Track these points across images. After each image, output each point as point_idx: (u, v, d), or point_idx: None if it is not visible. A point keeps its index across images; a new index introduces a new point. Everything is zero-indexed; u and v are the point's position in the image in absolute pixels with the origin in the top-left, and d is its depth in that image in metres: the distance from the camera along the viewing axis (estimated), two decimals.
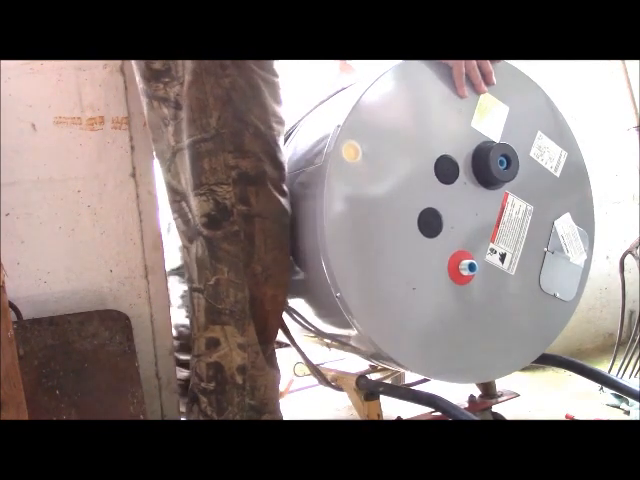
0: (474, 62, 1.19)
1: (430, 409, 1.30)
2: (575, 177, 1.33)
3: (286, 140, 1.37)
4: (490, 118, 1.24)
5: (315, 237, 1.12)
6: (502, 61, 1.26)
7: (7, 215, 1.22)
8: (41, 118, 1.24)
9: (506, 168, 1.21)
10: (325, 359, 1.68)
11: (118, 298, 1.30)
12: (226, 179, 1.11)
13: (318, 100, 1.37)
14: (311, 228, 1.15)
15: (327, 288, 1.13)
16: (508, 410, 1.53)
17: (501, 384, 1.50)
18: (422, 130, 1.18)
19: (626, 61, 2.03)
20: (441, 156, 1.18)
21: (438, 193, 1.17)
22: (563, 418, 1.55)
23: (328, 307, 1.22)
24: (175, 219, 1.23)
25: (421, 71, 1.19)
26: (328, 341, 1.42)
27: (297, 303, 1.37)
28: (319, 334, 1.40)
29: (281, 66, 1.32)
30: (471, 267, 1.17)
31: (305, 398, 1.88)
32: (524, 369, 1.96)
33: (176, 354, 1.40)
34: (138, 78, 1.21)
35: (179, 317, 1.52)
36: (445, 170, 1.18)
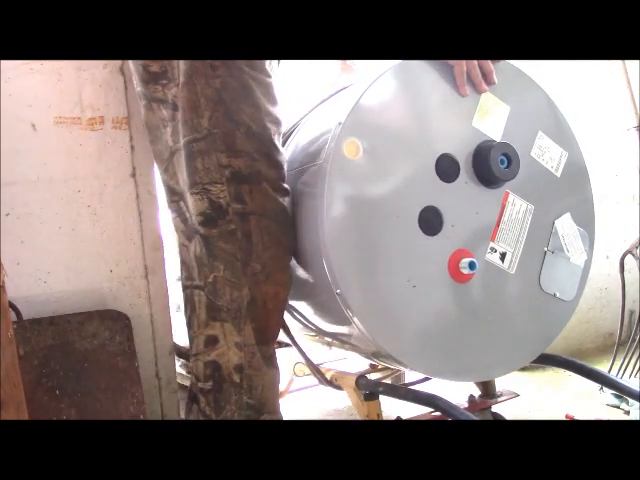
0: (475, 61, 1.20)
1: (430, 409, 1.30)
2: (575, 177, 1.33)
3: (287, 139, 1.37)
4: (491, 117, 1.24)
5: (316, 234, 1.12)
6: (503, 61, 1.26)
7: (7, 215, 1.22)
8: (41, 118, 1.24)
9: (507, 167, 1.21)
10: (325, 359, 1.68)
11: (118, 298, 1.30)
12: (220, 178, 1.12)
13: (319, 99, 1.37)
14: (312, 225, 1.15)
15: (328, 285, 1.13)
16: (508, 410, 1.53)
17: (501, 384, 1.50)
18: (423, 128, 1.18)
19: (626, 61, 2.03)
20: (442, 154, 1.18)
21: (439, 191, 1.17)
22: (563, 418, 1.55)
23: (329, 305, 1.22)
24: (174, 219, 1.23)
25: (422, 70, 1.19)
26: (329, 340, 1.42)
27: (298, 301, 1.37)
28: (320, 333, 1.40)
29: (282, 66, 1.32)
30: (471, 265, 1.16)
31: (305, 398, 1.88)
32: (524, 369, 1.96)
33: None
34: (136, 81, 1.22)
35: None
36: (446, 168, 1.18)
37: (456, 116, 1.21)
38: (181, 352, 1.57)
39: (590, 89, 2.15)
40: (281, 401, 1.29)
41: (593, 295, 2.13)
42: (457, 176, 1.19)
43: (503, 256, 1.23)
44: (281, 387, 1.58)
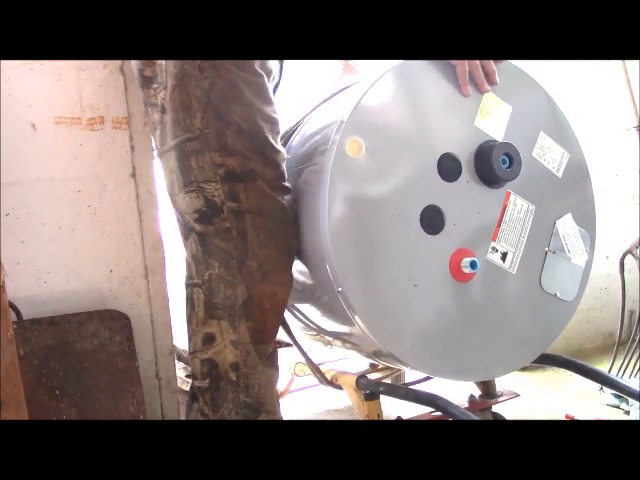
0: (477, 61, 1.20)
1: (430, 409, 1.30)
2: (577, 178, 1.33)
3: (289, 138, 1.38)
4: (493, 117, 1.24)
5: (318, 232, 1.13)
6: (506, 61, 1.26)
7: (7, 215, 1.22)
8: (41, 118, 1.24)
9: (508, 167, 1.21)
10: (325, 359, 1.68)
11: (118, 298, 1.30)
12: (213, 177, 1.13)
13: (322, 99, 1.38)
14: (314, 223, 1.15)
15: (329, 284, 1.13)
16: (508, 410, 1.53)
17: (501, 384, 1.51)
18: (425, 128, 1.19)
19: (626, 61, 2.03)
20: (444, 154, 1.18)
21: (440, 190, 1.17)
22: (563, 418, 1.55)
23: (330, 304, 1.22)
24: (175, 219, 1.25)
25: (425, 70, 1.19)
26: (329, 339, 1.42)
27: (299, 300, 1.37)
28: (321, 332, 1.41)
29: (286, 68, 1.33)
30: (473, 265, 1.17)
31: (305, 398, 1.88)
32: (524, 369, 1.96)
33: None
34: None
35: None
36: (448, 168, 1.18)
37: (458, 116, 1.21)
38: (181, 356, 1.58)
39: (590, 89, 2.15)
40: (281, 401, 1.29)
41: (593, 295, 2.13)
42: (459, 175, 1.19)
43: (504, 256, 1.23)
44: (281, 387, 1.58)
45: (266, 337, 1.19)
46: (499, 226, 1.23)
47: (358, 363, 1.70)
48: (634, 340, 1.79)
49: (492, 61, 1.22)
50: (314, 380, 1.60)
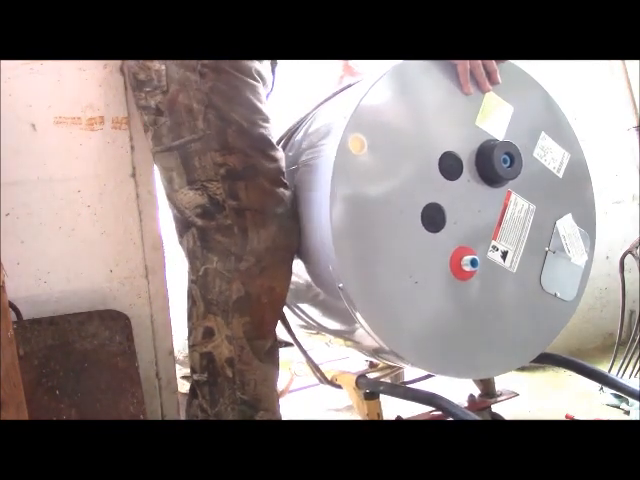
0: (479, 61, 1.21)
1: (430, 408, 1.31)
2: (577, 178, 1.33)
3: (292, 135, 1.39)
4: (494, 117, 1.24)
5: (319, 228, 1.14)
6: (507, 61, 1.26)
7: (7, 215, 1.21)
8: (41, 118, 1.24)
9: (509, 166, 1.22)
10: (325, 358, 1.68)
11: (118, 298, 1.30)
12: (214, 176, 1.16)
13: (323, 98, 1.38)
14: (316, 220, 1.16)
15: (330, 280, 1.14)
16: (508, 410, 1.53)
17: (501, 384, 1.51)
18: (427, 126, 1.19)
19: (626, 61, 2.03)
20: (445, 152, 1.19)
21: (442, 189, 1.18)
22: (563, 418, 1.55)
23: (331, 301, 1.23)
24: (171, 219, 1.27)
25: (426, 69, 1.20)
26: (329, 337, 1.42)
27: (299, 297, 1.38)
28: (320, 330, 1.41)
29: (279, 73, 1.36)
30: (473, 263, 1.17)
31: (304, 398, 1.88)
32: (524, 369, 1.97)
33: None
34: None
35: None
36: (449, 166, 1.19)
37: (459, 115, 1.22)
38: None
39: (590, 89, 2.15)
40: (280, 400, 1.29)
41: (593, 295, 2.13)
42: (460, 174, 1.20)
43: (504, 255, 1.24)
44: (280, 386, 1.58)
45: (264, 332, 1.20)
46: (500, 225, 1.23)
47: (357, 362, 1.70)
48: (634, 340, 1.79)
49: (493, 61, 1.22)
50: (313, 380, 1.60)
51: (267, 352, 1.20)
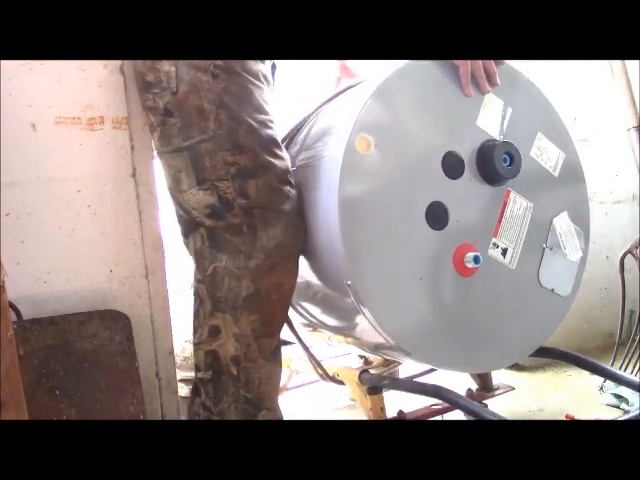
0: (480, 62, 1.23)
1: (430, 403, 1.33)
2: (572, 177, 1.37)
3: (295, 135, 1.40)
4: (494, 118, 1.27)
5: (327, 227, 1.16)
6: (506, 64, 1.29)
7: (7, 215, 1.21)
8: (41, 118, 1.24)
9: (509, 165, 1.25)
10: (325, 355, 1.69)
11: (118, 298, 1.29)
12: (225, 175, 1.18)
13: (325, 98, 1.40)
14: (323, 218, 1.18)
15: (336, 278, 1.16)
16: (508, 410, 1.54)
17: (500, 383, 1.52)
18: (430, 126, 1.22)
19: (626, 61, 2.03)
20: (448, 152, 1.22)
21: (444, 187, 1.21)
22: (563, 418, 1.55)
23: (335, 297, 1.25)
24: (175, 220, 1.28)
25: (429, 70, 1.23)
26: (329, 334, 1.43)
27: (301, 296, 1.39)
28: (321, 326, 1.42)
29: (278, 80, 1.40)
30: (476, 259, 1.20)
31: (304, 396, 1.88)
32: (524, 369, 1.97)
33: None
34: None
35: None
36: (451, 166, 1.22)
37: (461, 115, 1.24)
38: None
39: (590, 89, 2.15)
40: (279, 398, 1.29)
41: (593, 295, 2.13)
42: (462, 173, 1.23)
43: (505, 252, 1.27)
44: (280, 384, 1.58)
45: (273, 330, 1.22)
46: (500, 223, 1.26)
47: (352, 360, 1.70)
48: (634, 340, 1.79)
49: (493, 63, 1.25)
50: (312, 377, 1.61)
51: (273, 351, 1.22)
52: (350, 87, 1.37)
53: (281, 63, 1.45)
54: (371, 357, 1.65)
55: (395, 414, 1.39)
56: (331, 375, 1.50)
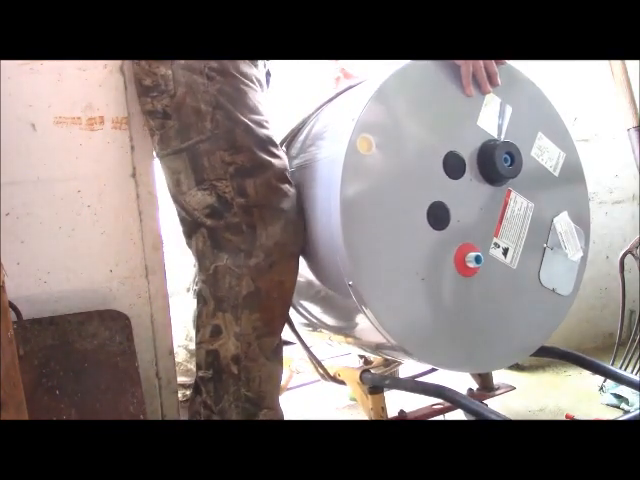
0: (481, 62, 1.24)
1: (431, 402, 1.33)
2: (572, 177, 1.37)
3: (296, 135, 1.41)
4: (495, 118, 1.27)
5: (329, 227, 1.16)
6: (507, 64, 1.30)
7: (7, 215, 1.21)
8: (41, 118, 1.24)
9: (510, 165, 1.25)
10: (326, 355, 1.69)
11: (118, 298, 1.29)
12: (223, 174, 1.19)
13: (324, 99, 1.40)
14: (324, 219, 1.19)
15: (338, 277, 1.16)
16: (508, 410, 1.53)
17: (501, 382, 1.52)
18: (431, 126, 1.22)
19: (626, 61, 2.03)
20: (449, 152, 1.22)
21: (446, 188, 1.21)
22: (563, 418, 1.55)
23: (336, 297, 1.26)
24: (178, 222, 1.29)
25: (430, 70, 1.23)
26: (329, 334, 1.43)
27: (301, 296, 1.39)
28: (322, 326, 1.42)
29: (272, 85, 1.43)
30: (477, 259, 1.20)
31: (305, 396, 1.88)
32: (524, 369, 1.97)
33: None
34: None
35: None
36: (452, 166, 1.22)
37: (462, 115, 1.25)
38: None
39: (590, 89, 2.15)
40: (280, 398, 1.29)
41: (593, 295, 2.13)
42: (463, 173, 1.23)
43: (506, 251, 1.27)
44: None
45: (274, 328, 1.23)
46: (501, 222, 1.27)
47: (352, 360, 1.70)
48: (634, 340, 1.79)
49: (494, 63, 1.25)
50: (313, 377, 1.61)
51: (274, 350, 1.23)
52: (350, 87, 1.37)
53: (281, 63, 1.45)
54: (371, 357, 1.65)
55: (396, 414, 1.39)
56: (332, 375, 1.50)
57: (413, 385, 1.34)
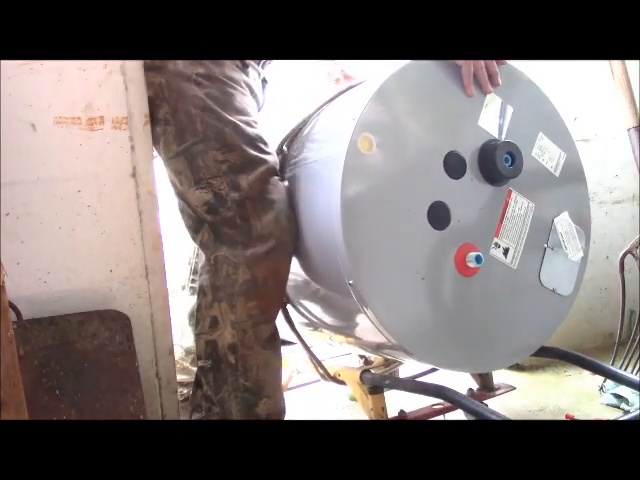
0: (482, 62, 1.24)
1: (431, 403, 1.34)
2: (573, 177, 1.37)
3: (295, 137, 1.41)
4: (495, 118, 1.28)
5: (329, 227, 1.16)
6: (508, 64, 1.30)
7: (7, 215, 1.21)
8: (41, 118, 1.24)
9: (511, 165, 1.25)
10: (326, 355, 1.69)
11: (118, 298, 1.29)
12: (217, 172, 1.26)
13: (325, 99, 1.40)
14: (324, 218, 1.18)
15: (337, 277, 1.16)
16: (508, 410, 1.53)
17: (501, 382, 1.52)
18: (432, 126, 1.22)
19: (626, 61, 2.03)
20: (450, 152, 1.22)
21: (446, 187, 1.21)
22: (563, 418, 1.55)
23: (335, 297, 1.26)
24: (184, 220, 1.34)
25: (431, 70, 1.23)
26: (330, 334, 1.43)
27: (302, 295, 1.39)
28: (322, 326, 1.42)
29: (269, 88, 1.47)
30: (478, 259, 1.20)
31: (305, 395, 1.88)
32: (524, 369, 1.97)
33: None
34: None
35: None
36: (453, 165, 1.22)
37: (462, 115, 1.25)
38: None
39: (590, 89, 2.15)
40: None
41: (593, 295, 2.12)
42: (464, 173, 1.23)
43: (506, 251, 1.27)
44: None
45: (270, 316, 1.27)
46: (501, 222, 1.27)
47: (353, 360, 1.70)
48: (634, 340, 1.79)
49: (495, 63, 1.26)
50: (313, 377, 1.61)
51: (268, 339, 1.26)
52: (351, 87, 1.37)
53: (281, 64, 1.45)
54: (371, 357, 1.65)
55: (396, 414, 1.39)
56: (332, 375, 1.50)
57: (413, 385, 1.34)
